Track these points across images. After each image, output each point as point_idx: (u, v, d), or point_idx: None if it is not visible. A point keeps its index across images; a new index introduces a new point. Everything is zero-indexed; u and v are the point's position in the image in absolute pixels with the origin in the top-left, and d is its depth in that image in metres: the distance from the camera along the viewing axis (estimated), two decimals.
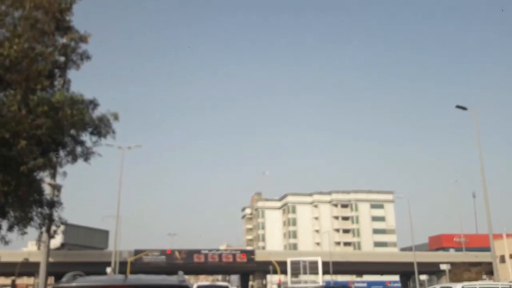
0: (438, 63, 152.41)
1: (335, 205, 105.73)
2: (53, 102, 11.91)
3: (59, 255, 52.56)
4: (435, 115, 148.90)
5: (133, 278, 4.64)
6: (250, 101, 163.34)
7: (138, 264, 52.74)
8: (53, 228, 13.65)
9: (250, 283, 68.78)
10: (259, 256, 58.29)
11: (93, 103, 13.60)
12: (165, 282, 4.42)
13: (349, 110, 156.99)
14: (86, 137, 13.62)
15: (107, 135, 13.39)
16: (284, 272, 53.87)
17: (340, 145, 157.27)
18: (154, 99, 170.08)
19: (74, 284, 4.15)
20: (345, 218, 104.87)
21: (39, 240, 14.03)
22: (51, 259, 38.29)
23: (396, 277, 73.12)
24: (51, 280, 54.15)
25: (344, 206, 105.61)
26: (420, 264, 53.48)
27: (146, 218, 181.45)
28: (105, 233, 66.64)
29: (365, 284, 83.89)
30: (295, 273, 52.44)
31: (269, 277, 65.17)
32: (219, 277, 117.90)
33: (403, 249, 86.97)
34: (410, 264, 53.74)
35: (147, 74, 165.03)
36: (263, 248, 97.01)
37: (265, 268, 59.00)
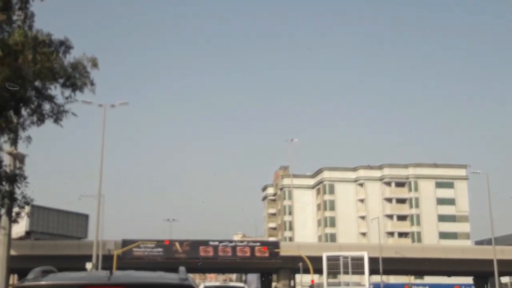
0: None
1: (388, 184, 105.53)
2: (10, 44, 11.87)
3: (24, 247, 54.08)
4: None
5: (121, 275, 4.65)
6: (273, 48, 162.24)
7: (128, 258, 53.92)
8: (15, 209, 13.89)
9: (274, 284, 69.88)
10: (286, 250, 58.98)
11: (65, 45, 13.51)
12: (161, 281, 4.44)
13: (404, 62, 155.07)
14: (56, 90, 13.66)
15: (84, 88, 13.40)
16: (318, 271, 54.44)
17: (393, 106, 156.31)
18: (146, 42, 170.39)
19: (43, 282, 4.18)
20: (401, 201, 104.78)
21: None
22: (13, 252, 39.33)
23: (468, 280, 73.32)
24: (14, 279, 55.93)
25: (400, 184, 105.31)
26: (501, 263, 53.36)
27: (137, 199, 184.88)
28: (83, 218, 68.07)
29: None
30: (333, 272, 52.93)
31: (298, 277, 66.04)
32: (233, 276, 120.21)
33: (478, 243, 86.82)
34: (488, 262, 53.64)
35: (137, 8, 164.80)
36: (291, 239, 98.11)
37: (293, 266, 59.74)
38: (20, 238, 58.76)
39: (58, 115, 13.49)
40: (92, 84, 13.42)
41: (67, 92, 13.37)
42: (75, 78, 13.28)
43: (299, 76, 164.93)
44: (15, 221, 14.83)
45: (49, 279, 4.30)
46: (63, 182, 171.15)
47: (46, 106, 13.71)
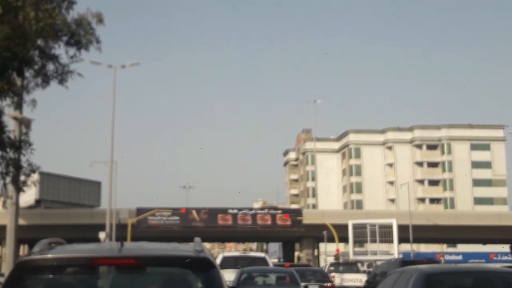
0: None
1: (419, 146, 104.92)
2: (10, 0, 11.71)
3: (34, 216, 54.97)
4: None
5: (132, 247, 4.64)
6: (294, 12, 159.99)
7: (142, 228, 54.67)
8: (22, 178, 13.97)
9: (296, 253, 70.51)
10: (309, 218, 59.23)
11: (68, 1, 13.34)
12: (175, 253, 4.39)
13: (437, 21, 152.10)
14: (60, 49, 13.55)
15: (89, 46, 13.25)
16: (344, 239, 54.69)
17: (423, 64, 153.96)
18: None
19: (49, 255, 4.16)
20: (433, 165, 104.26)
21: (3, 195, 14.43)
22: (22, 221, 40.06)
23: (505, 248, 73.19)
24: (24, 249, 57.09)
25: (432, 147, 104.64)
26: None
27: (152, 166, 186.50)
28: (96, 186, 68.94)
29: (460, 257, 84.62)
30: (360, 241, 53.18)
31: (322, 246, 66.52)
32: (253, 245, 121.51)
33: None
34: None
35: None
36: (314, 206, 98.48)
37: (316, 234, 60.07)
38: (30, 207, 59.72)
39: (63, 75, 13.40)
40: (98, 41, 13.29)
41: (72, 51, 13.29)
42: (80, 35, 13.14)
43: (322, 38, 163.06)
44: (22, 189, 14.94)
45: (56, 252, 4.28)
46: (73, 148, 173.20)
47: (50, 67, 13.61)
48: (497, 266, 16.58)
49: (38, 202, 61.39)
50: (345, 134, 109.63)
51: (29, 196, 58.38)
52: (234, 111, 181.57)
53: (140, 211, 55.64)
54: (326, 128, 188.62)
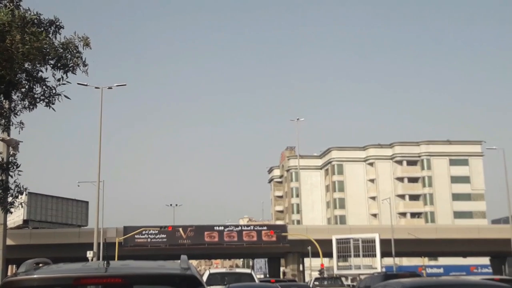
0: None
1: (399, 162, 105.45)
2: None
3: (22, 236, 54.40)
4: None
5: (118, 266, 4.59)
6: (276, 26, 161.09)
7: (129, 246, 54.33)
8: (9, 199, 13.87)
9: (282, 269, 70.25)
10: (294, 233, 59.15)
11: (55, 25, 13.34)
12: (162, 271, 4.37)
13: (414, 37, 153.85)
14: (47, 72, 13.50)
15: (76, 69, 13.21)
16: (328, 254, 54.63)
17: (402, 83, 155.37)
18: (143, 20, 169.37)
19: (35, 276, 4.12)
20: (414, 180, 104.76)
21: None
22: (11, 242, 39.67)
23: (485, 260, 73.54)
24: (12, 269, 56.33)
25: (412, 163, 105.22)
26: None
27: (139, 184, 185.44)
28: (83, 205, 68.45)
29: (441, 270, 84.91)
30: (344, 256, 53.22)
31: (307, 261, 66.33)
32: (240, 261, 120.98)
33: (495, 221, 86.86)
34: (506, 241, 53.74)
35: None
36: (299, 222, 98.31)
37: (301, 250, 60.00)
38: (18, 227, 59.11)
39: (50, 98, 13.31)
40: (84, 64, 13.19)
41: (59, 74, 13.16)
42: (67, 59, 13.08)
43: (304, 55, 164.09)
44: (9, 210, 14.81)
45: (42, 272, 4.24)
46: (61, 168, 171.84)
47: (38, 89, 13.54)
48: (477, 278, 16.65)
49: (26, 222, 60.76)
50: (328, 151, 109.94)
51: (17, 216, 57.83)
52: (219, 129, 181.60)
53: (127, 229, 55.34)
54: (310, 145, 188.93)
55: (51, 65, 13.40)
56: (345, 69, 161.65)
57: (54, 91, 13.41)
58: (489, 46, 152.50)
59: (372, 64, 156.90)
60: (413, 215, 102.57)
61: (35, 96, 13.64)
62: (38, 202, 62.05)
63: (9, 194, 13.66)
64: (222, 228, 59.16)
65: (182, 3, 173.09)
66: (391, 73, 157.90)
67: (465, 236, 61.17)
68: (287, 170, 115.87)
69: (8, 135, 15.48)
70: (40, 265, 4.56)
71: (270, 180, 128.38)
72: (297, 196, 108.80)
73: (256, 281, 21.92)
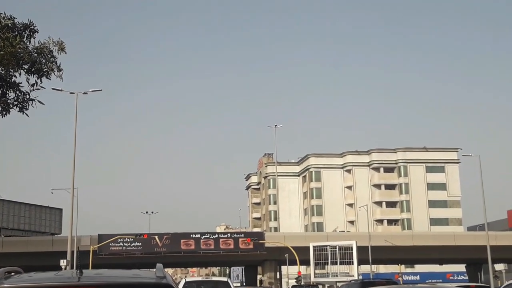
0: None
1: (376, 169, 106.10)
2: None
3: None
4: None
5: (92, 275, 4.54)
6: (256, 33, 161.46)
7: (104, 254, 53.75)
8: None
9: (259, 277, 70.06)
10: (271, 241, 59.10)
11: (29, 29, 13.24)
12: (136, 280, 4.33)
13: (391, 46, 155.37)
14: (21, 77, 13.37)
15: (51, 74, 13.10)
16: (305, 262, 54.74)
17: (380, 90, 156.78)
18: (120, 25, 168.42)
19: (5, 285, 4.05)
20: (390, 187, 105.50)
21: None
22: None
23: (461, 267, 74.18)
24: None
25: (389, 170, 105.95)
26: (495, 249, 53.99)
27: (114, 192, 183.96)
28: (57, 212, 67.76)
29: (417, 277, 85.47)
30: (321, 263, 53.29)
31: (284, 268, 66.32)
32: (216, 269, 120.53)
33: (471, 228, 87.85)
34: (481, 248, 54.22)
35: None
36: (276, 229, 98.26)
37: (278, 257, 59.93)
38: None
39: (23, 103, 13.20)
40: (59, 70, 13.13)
41: (33, 79, 13.06)
42: (41, 64, 12.99)
43: (282, 62, 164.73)
44: None
45: (13, 282, 4.19)
46: (35, 175, 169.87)
47: (11, 95, 13.40)
48: (453, 285, 16.78)
49: None
50: (305, 158, 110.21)
51: None
52: (197, 135, 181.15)
53: (101, 237, 54.77)
54: (288, 152, 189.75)
55: (25, 70, 13.28)
56: (323, 76, 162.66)
57: (28, 96, 13.31)
58: (465, 53, 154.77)
59: (349, 72, 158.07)
60: (390, 222, 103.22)
61: (8, 101, 13.50)
62: (11, 210, 61.32)
63: None
64: (199, 235, 58.80)
65: (158, 8, 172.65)
66: (368, 81, 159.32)
67: (441, 243, 61.70)
68: (265, 177, 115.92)
69: None
70: (12, 274, 4.50)
71: (248, 187, 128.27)
72: (275, 203, 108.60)
73: None
